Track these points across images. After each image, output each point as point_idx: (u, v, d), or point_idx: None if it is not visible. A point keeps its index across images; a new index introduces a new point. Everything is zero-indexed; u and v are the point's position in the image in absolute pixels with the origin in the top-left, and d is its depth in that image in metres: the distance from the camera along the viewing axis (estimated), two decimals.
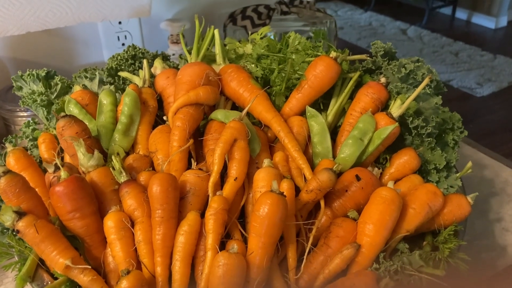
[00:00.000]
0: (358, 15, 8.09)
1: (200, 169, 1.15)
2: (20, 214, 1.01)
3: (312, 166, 1.22)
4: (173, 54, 2.35)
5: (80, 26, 2.24)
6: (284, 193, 1.01)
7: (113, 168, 1.13)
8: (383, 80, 1.29)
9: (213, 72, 1.30)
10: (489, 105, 5.27)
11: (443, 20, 7.77)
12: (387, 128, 1.19)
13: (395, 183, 1.21)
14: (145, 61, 1.40)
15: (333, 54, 1.27)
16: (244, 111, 1.18)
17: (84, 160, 1.13)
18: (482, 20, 7.47)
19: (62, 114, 1.19)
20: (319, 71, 1.26)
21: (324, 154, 1.24)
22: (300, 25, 2.51)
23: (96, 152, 1.13)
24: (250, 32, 2.32)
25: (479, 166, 1.82)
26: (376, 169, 1.21)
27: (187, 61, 1.54)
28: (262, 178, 1.10)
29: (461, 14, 7.70)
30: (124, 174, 1.12)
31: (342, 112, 1.34)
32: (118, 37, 2.33)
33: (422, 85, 1.19)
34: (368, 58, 1.37)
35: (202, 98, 1.23)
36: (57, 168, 1.12)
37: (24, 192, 1.06)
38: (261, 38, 1.47)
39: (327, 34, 2.56)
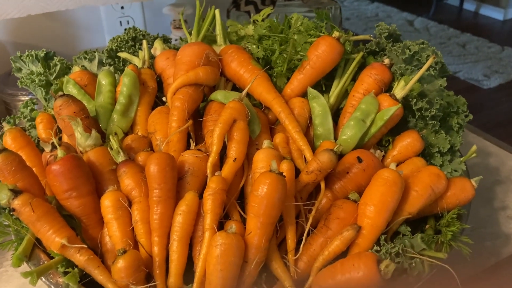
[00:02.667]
0: (365, 5, 8.03)
1: (199, 149, 1.13)
2: (15, 192, 1.00)
3: (313, 148, 1.20)
4: (176, 40, 2.33)
5: (82, 10, 2.22)
6: (284, 174, 0.99)
7: (111, 148, 1.12)
8: (386, 61, 1.27)
9: (213, 52, 1.28)
10: (496, 97, 5.23)
11: (451, 11, 7.70)
12: (390, 109, 1.17)
13: (397, 165, 1.19)
14: (144, 42, 1.38)
15: (336, 34, 1.24)
16: (244, 92, 1.16)
17: (82, 139, 1.11)
18: (490, 12, 7.39)
19: (60, 93, 1.17)
20: (321, 51, 1.24)
21: (326, 136, 1.21)
22: (304, 10, 2.47)
23: (93, 131, 1.12)
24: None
25: (484, 154, 1.80)
26: (378, 151, 1.19)
27: (186, 42, 1.52)
28: (261, 159, 1.08)
29: (469, 5, 7.63)
30: (122, 154, 1.10)
31: (344, 94, 1.31)
32: (121, 22, 2.32)
33: (426, 66, 1.17)
34: (372, 39, 1.35)
35: (202, 79, 1.21)
36: (54, 147, 1.10)
37: (20, 170, 1.05)
38: (263, 20, 1.45)
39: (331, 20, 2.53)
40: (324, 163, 1.05)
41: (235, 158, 1.09)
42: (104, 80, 1.29)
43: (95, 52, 1.52)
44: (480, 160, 1.75)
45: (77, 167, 1.04)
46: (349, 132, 1.17)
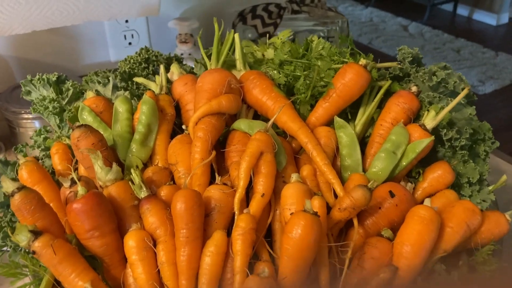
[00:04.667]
0: (359, 11, 8.02)
1: (224, 184, 1.08)
2: (36, 233, 0.95)
3: (341, 180, 1.15)
4: (182, 54, 2.29)
5: (86, 24, 2.17)
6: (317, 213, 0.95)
7: (132, 182, 1.07)
8: (414, 89, 1.23)
9: (235, 79, 1.23)
10: (492, 103, 5.24)
11: (444, 16, 7.72)
12: (422, 141, 1.13)
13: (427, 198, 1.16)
14: (162, 67, 1.33)
15: (362, 61, 1.20)
16: (270, 122, 1.11)
17: (102, 174, 1.06)
18: (483, 17, 7.42)
19: (77, 123, 1.12)
20: (348, 80, 1.20)
21: (354, 167, 1.17)
22: (311, 24, 2.45)
23: (114, 165, 1.07)
24: (269, 34, 2.25)
25: (497, 173, 1.76)
26: (409, 184, 1.15)
27: (203, 65, 1.48)
28: (291, 195, 1.04)
29: (462, 11, 7.65)
30: (144, 189, 1.05)
31: (370, 122, 1.27)
32: (125, 36, 2.27)
33: (460, 96, 1.13)
34: (399, 65, 1.31)
35: (225, 107, 1.16)
36: (73, 182, 1.05)
37: (40, 209, 1.00)
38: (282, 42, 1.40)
39: (339, 34, 2.50)
40: (358, 200, 1.01)
41: (263, 194, 1.05)
42: (120, 107, 1.24)
43: (105, 72, 1.47)
44: (494, 178, 1.71)
45: (99, 205, 0.99)
46: (380, 165, 1.13)
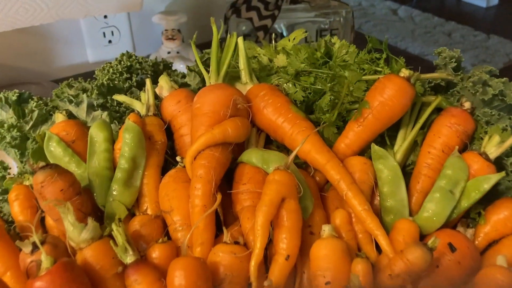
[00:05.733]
0: None
1: (236, 242, 0.83)
2: None
3: (381, 223, 0.90)
4: (169, 52, 2.02)
5: (59, 22, 1.88)
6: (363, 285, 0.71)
7: (114, 241, 0.81)
8: (467, 105, 0.98)
9: (242, 97, 0.97)
10: None
11: None
12: (489, 178, 0.88)
13: (490, 245, 0.92)
14: (148, 82, 1.06)
15: (404, 72, 0.94)
16: (292, 156, 0.86)
17: (74, 233, 0.80)
18: None
19: (41, 164, 0.86)
20: (387, 97, 0.93)
21: (398, 210, 0.92)
22: (312, 16, 2.20)
23: (90, 220, 0.81)
24: (267, 28, 1.99)
25: None
26: (469, 230, 0.90)
27: (198, 73, 1.22)
28: (325, 257, 0.79)
29: None
30: (130, 252, 0.80)
31: (413, 147, 1.02)
32: (104, 33, 1.99)
33: None
34: (451, 78, 1.05)
35: (231, 136, 0.90)
36: (35, 247, 0.79)
37: None
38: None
39: (343, 26, 2.25)
40: (415, 265, 0.76)
41: (288, 256, 0.80)
42: (97, 135, 0.98)
43: (81, 83, 1.22)
44: None
45: (70, 281, 0.73)
46: (434, 208, 0.88)
